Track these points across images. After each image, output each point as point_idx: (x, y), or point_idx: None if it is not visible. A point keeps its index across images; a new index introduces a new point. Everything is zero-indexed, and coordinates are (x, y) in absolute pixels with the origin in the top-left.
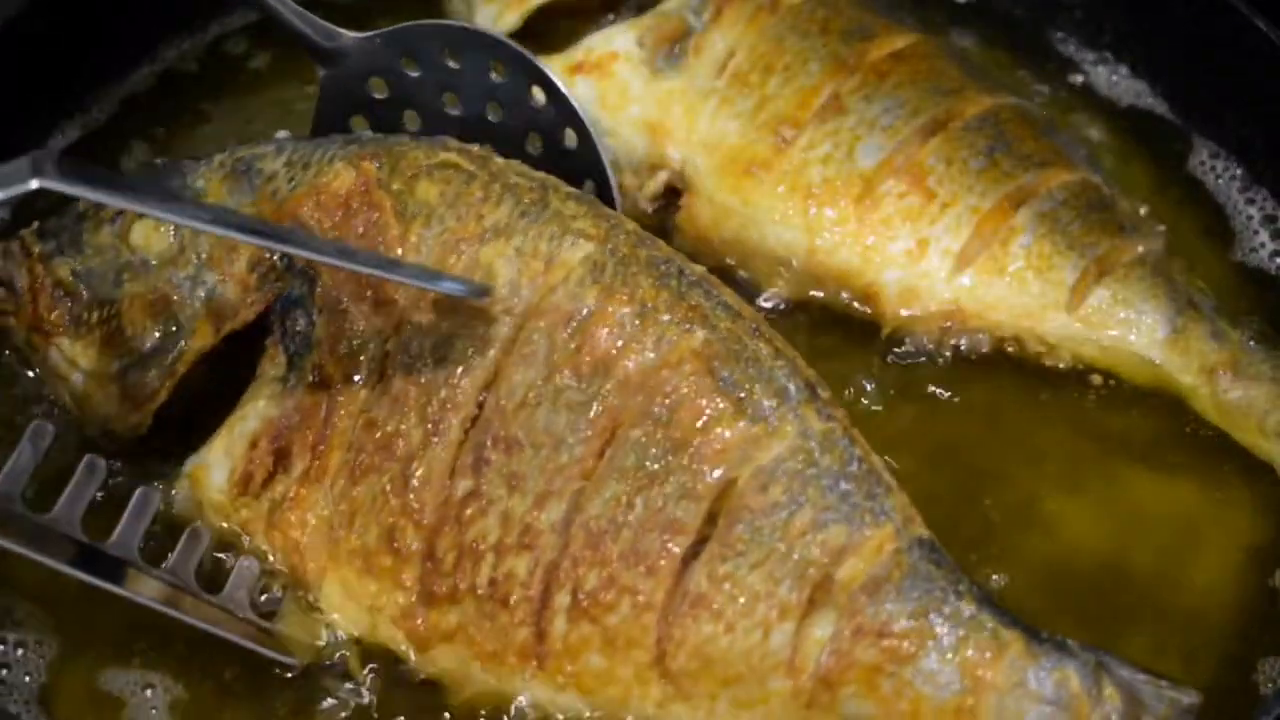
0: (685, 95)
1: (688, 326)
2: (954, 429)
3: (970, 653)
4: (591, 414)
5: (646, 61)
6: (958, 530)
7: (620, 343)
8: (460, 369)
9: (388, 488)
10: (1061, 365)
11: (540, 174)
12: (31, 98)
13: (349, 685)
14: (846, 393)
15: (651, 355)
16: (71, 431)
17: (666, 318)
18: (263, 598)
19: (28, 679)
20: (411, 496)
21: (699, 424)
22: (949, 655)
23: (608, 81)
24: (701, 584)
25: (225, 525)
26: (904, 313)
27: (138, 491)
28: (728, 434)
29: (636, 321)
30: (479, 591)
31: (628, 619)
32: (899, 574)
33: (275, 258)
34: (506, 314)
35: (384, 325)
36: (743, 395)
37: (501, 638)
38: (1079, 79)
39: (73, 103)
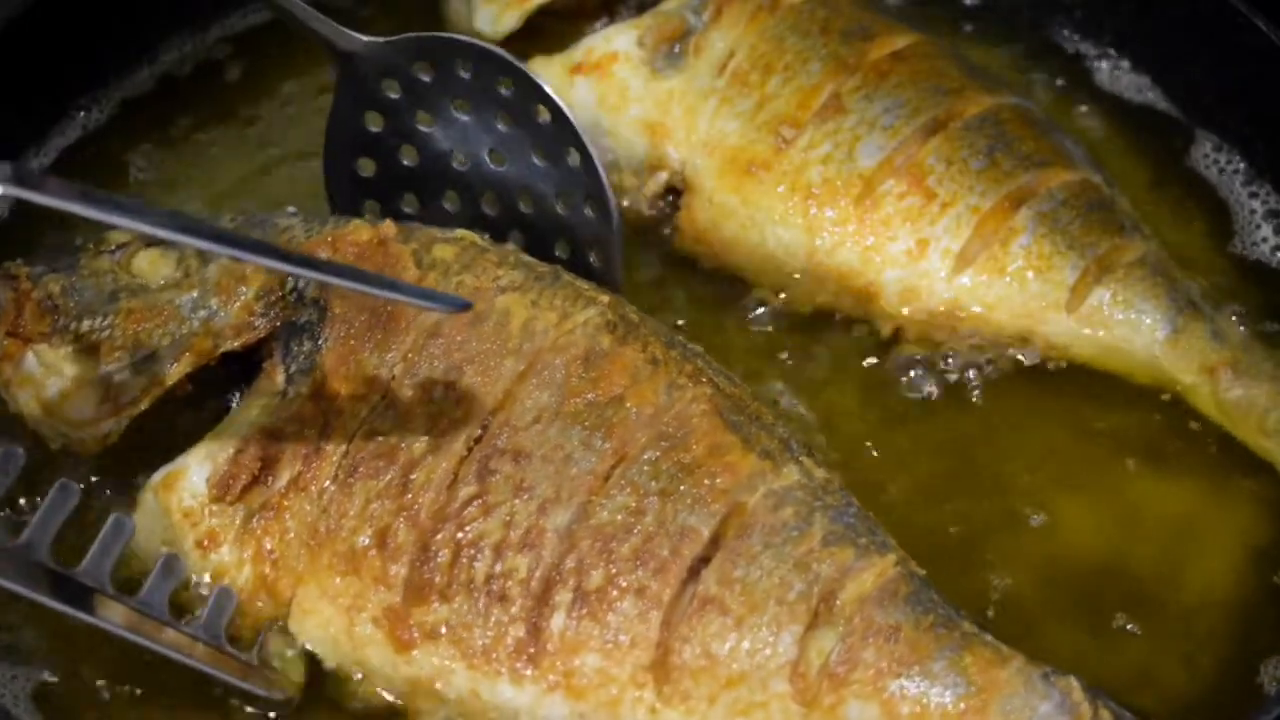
0: (685, 95)
1: (696, 380)
2: (953, 429)
3: (976, 659)
4: (603, 435)
5: (646, 61)
6: (958, 529)
7: (633, 382)
8: (470, 393)
9: (384, 491)
10: (1062, 365)
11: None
12: (30, 98)
13: None
14: (846, 393)
15: (664, 396)
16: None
17: (676, 370)
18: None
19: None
20: (409, 497)
21: (710, 451)
22: (956, 660)
23: (608, 82)
24: (711, 588)
25: (191, 534)
26: (904, 312)
27: (111, 518)
28: (738, 463)
29: (649, 367)
30: (474, 587)
31: (631, 617)
32: (905, 590)
33: (286, 288)
34: (521, 349)
35: (394, 355)
36: (749, 437)
37: (494, 633)
38: (1080, 73)
39: (71, 104)
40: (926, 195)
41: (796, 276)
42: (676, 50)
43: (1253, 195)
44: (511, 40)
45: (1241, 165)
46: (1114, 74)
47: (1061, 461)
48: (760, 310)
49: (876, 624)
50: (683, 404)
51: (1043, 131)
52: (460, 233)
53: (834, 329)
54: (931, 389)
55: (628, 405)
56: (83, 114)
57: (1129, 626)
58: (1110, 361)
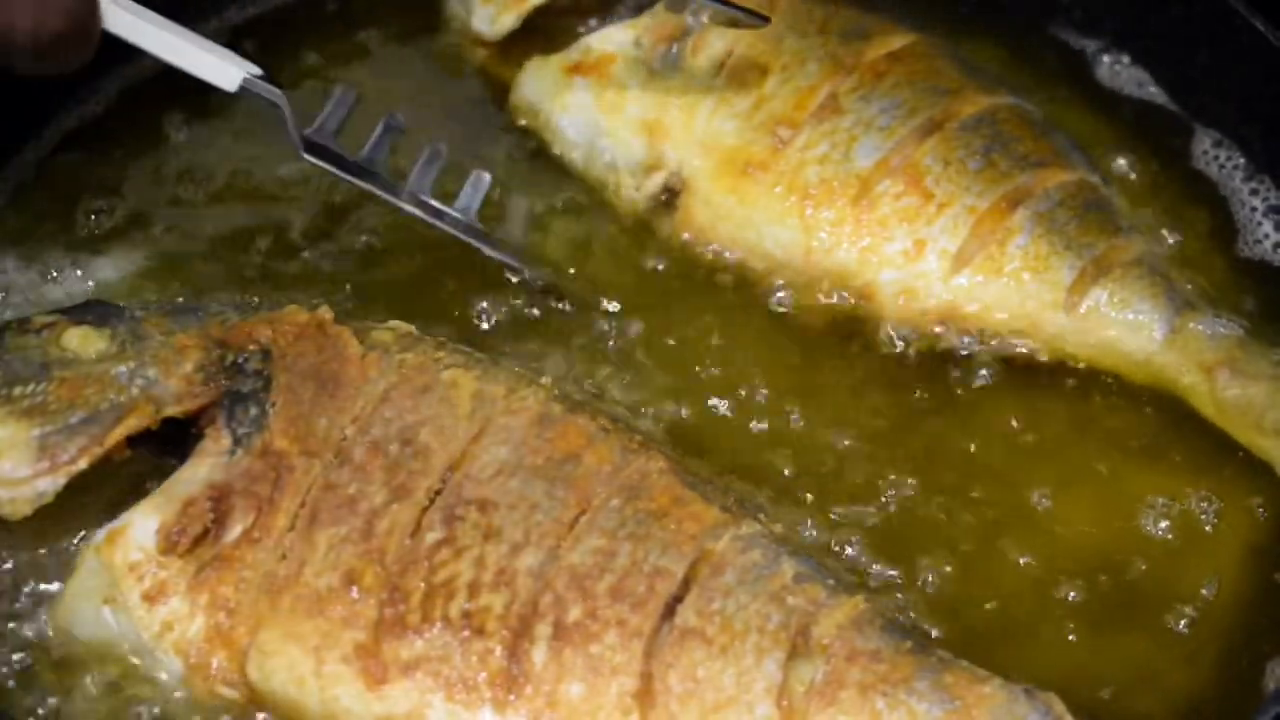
0: (683, 95)
1: (647, 448)
2: (952, 429)
3: (957, 679)
4: (566, 487)
5: (644, 61)
6: (956, 529)
7: (589, 443)
8: (427, 449)
9: (347, 537)
10: (1060, 365)
11: None
12: (28, 89)
13: None
14: (842, 393)
15: (619, 457)
16: None
17: (627, 438)
18: None
19: None
20: (375, 543)
21: (673, 501)
22: (938, 679)
23: (605, 82)
24: (690, 619)
25: (138, 588)
26: (901, 313)
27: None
28: (702, 513)
29: (602, 433)
30: (449, 621)
31: (614, 646)
32: (880, 621)
33: (225, 360)
34: (473, 415)
35: (344, 419)
36: (708, 495)
37: (474, 664)
38: (1080, 68)
39: (70, 93)
40: (923, 195)
41: (793, 276)
42: (674, 50)
43: (1253, 192)
44: (509, 40)
45: (1242, 161)
46: (1113, 70)
47: (1060, 461)
48: (758, 310)
49: (857, 648)
50: (640, 463)
51: (1040, 132)
52: (394, 322)
53: (831, 328)
54: (928, 389)
55: (586, 462)
56: (81, 105)
57: (1129, 626)
58: (1108, 361)
